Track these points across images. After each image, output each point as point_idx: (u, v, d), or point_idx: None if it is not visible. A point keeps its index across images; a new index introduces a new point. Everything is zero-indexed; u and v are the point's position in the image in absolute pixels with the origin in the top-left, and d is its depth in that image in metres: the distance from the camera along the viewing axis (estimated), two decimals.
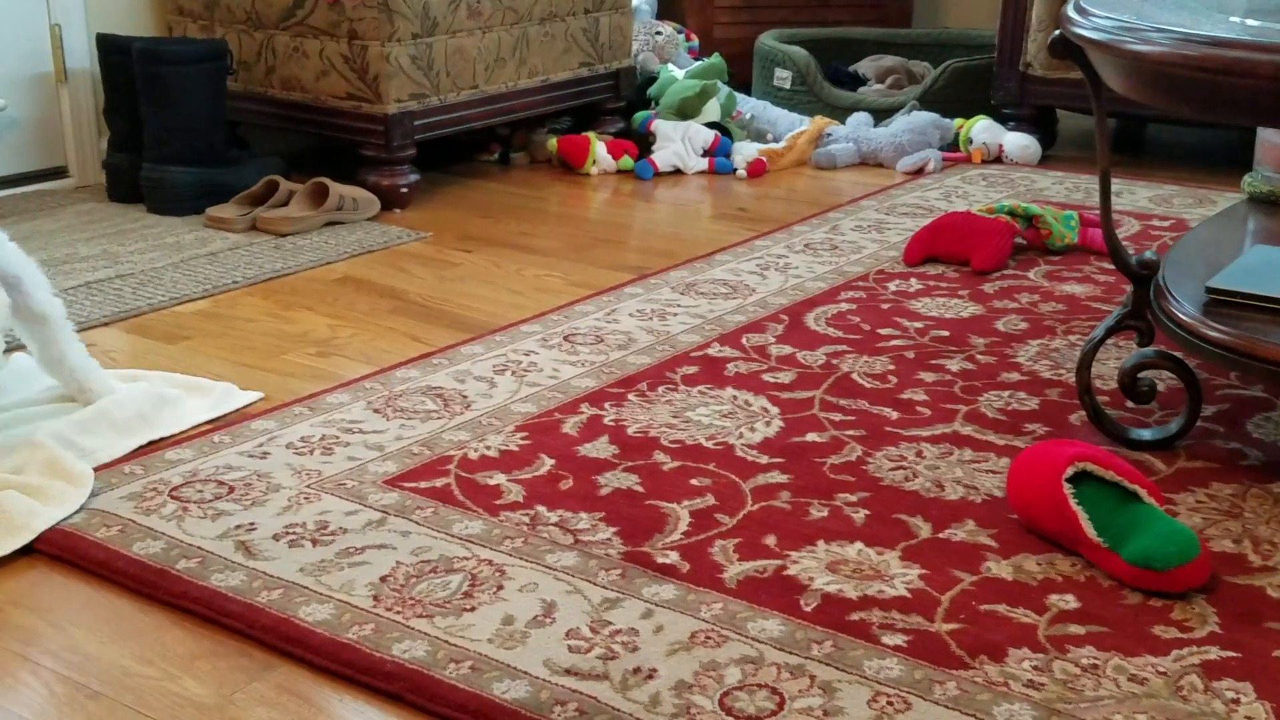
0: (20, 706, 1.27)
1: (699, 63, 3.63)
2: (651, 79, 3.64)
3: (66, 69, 3.02)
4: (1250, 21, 1.57)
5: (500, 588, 1.44)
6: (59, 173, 3.08)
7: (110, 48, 2.86)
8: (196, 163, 2.86)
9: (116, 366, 2.07)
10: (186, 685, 1.31)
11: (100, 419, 1.80)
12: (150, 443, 1.80)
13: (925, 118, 3.50)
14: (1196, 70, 1.45)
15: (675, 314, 2.31)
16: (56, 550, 1.53)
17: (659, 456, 1.77)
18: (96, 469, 1.70)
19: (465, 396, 1.95)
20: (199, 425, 1.86)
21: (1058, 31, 1.71)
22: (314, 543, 1.53)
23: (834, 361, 2.11)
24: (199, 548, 1.52)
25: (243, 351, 2.15)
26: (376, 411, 1.89)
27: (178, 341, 2.19)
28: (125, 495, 1.64)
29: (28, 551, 1.54)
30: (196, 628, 1.40)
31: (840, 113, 3.66)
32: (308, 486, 1.67)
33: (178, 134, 2.82)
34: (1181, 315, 1.70)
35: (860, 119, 3.57)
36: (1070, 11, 1.68)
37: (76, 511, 1.59)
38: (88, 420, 1.79)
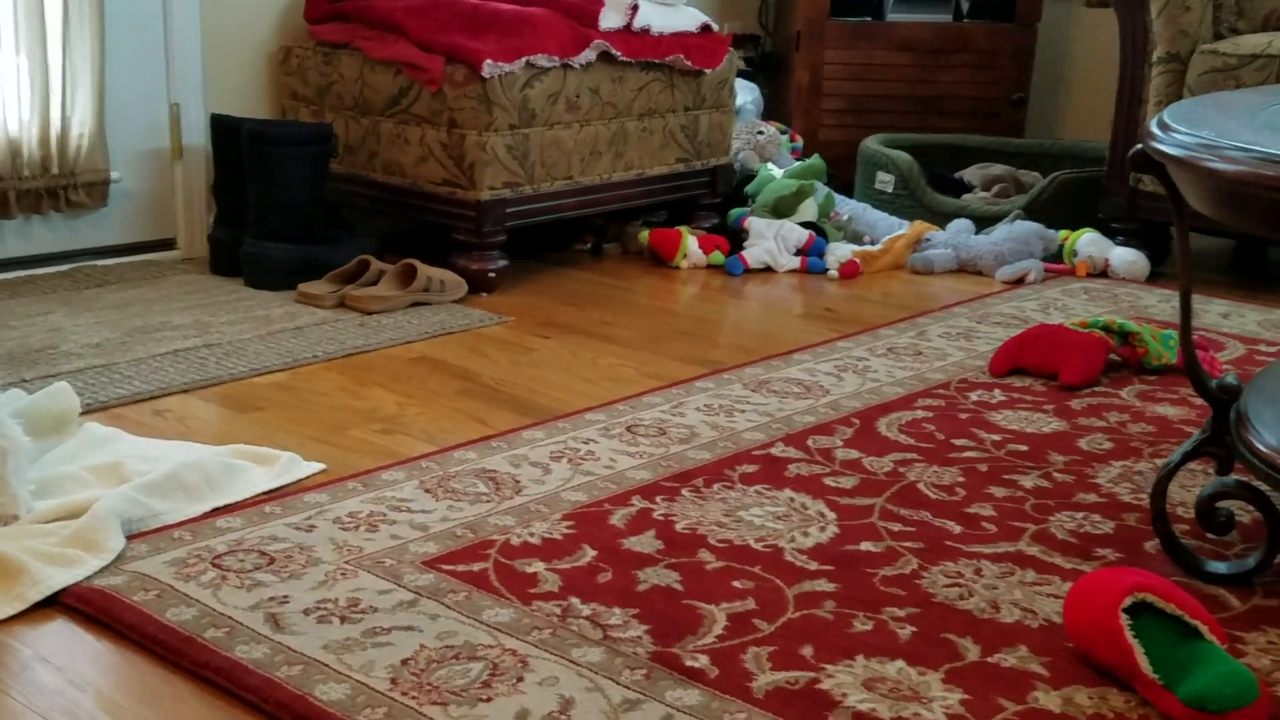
0: None
1: (799, 163, 3.62)
2: (750, 177, 3.64)
3: (182, 146, 3.14)
4: None
5: (520, 679, 1.41)
6: (168, 244, 3.19)
7: (223, 127, 2.97)
8: (295, 240, 2.93)
9: (189, 432, 2.11)
10: None
11: (171, 482, 1.83)
12: (214, 509, 1.82)
13: (1029, 227, 3.43)
14: (1272, 191, 1.38)
15: (743, 411, 2.28)
16: (92, 610, 1.54)
17: (704, 555, 1.72)
18: (154, 531, 1.73)
19: (518, 481, 1.93)
20: (258, 494, 1.88)
21: (1139, 145, 1.66)
22: (342, 620, 1.52)
23: (901, 470, 2.04)
24: (229, 617, 1.52)
25: (311, 424, 2.17)
26: (427, 491, 1.89)
27: (250, 411, 2.22)
28: (169, 560, 1.66)
29: (62, 608, 1.55)
30: (215, 699, 1.40)
31: (941, 218, 3.61)
32: (346, 562, 1.66)
33: (279, 211, 2.91)
34: (1260, 445, 1.61)
35: (961, 225, 3.51)
36: (1153, 127, 1.63)
37: (106, 578, 1.60)
38: (160, 483, 1.82)
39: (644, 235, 3.38)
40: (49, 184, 2.90)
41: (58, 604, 1.56)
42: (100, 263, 3.05)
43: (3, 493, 1.74)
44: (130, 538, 1.70)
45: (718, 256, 3.32)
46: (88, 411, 2.14)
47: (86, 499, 1.76)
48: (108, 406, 2.19)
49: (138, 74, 3.05)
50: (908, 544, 1.78)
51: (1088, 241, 3.41)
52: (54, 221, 2.97)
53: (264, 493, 1.88)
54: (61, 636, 1.51)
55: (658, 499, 1.89)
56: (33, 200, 2.89)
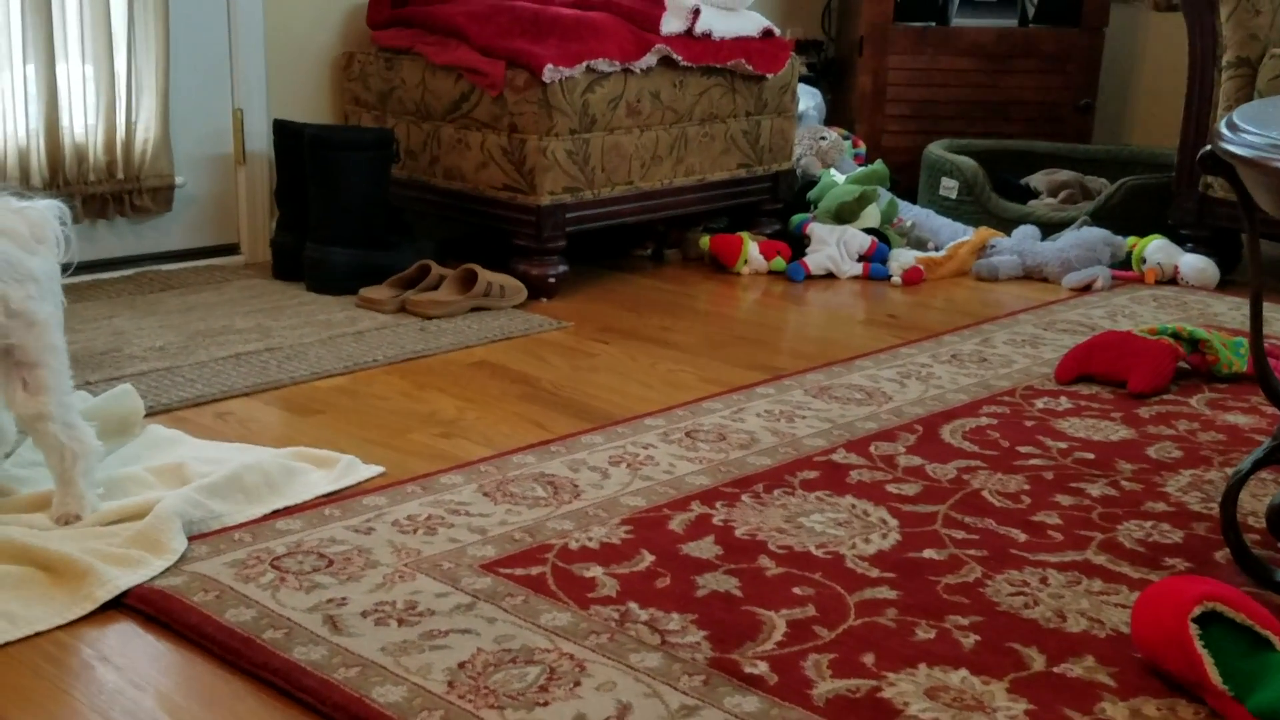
0: None
1: (862, 168, 3.59)
2: (812, 182, 3.62)
3: (245, 151, 3.17)
4: None
5: (578, 684, 1.40)
6: (231, 249, 3.22)
7: (285, 132, 2.99)
8: (356, 245, 2.95)
9: (250, 435, 2.12)
10: None
11: (232, 484, 1.84)
12: (274, 511, 1.83)
13: (1096, 234, 3.37)
14: None
15: (804, 417, 2.25)
16: (152, 610, 1.55)
17: (763, 561, 1.70)
18: (214, 532, 1.74)
19: (576, 486, 1.92)
20: (318, 496, 1.88)
21: (1208, 147, 1.62)
22: (400, 622, 1.52)
23: (965, 477, 2.01)
24: (288, 619, 1.52)
25: (371, 428, 2.17)
26: (486, 495, 1.88)
27: (311, 415, 2.23)
28: (229, 562, 1.66)
29: (123, 608, 1.56)
30: (273, 700, 1.40)
31: (1006, 225, 3.56)
32: (404, 565, 1.66)
33: (341, 216, 2.92)
34: None
35: (1026, 232, 3.46)
36: (1222, 127, 1.59)
37: (167, 578, 1.61)
38: (221, 485, 1.83)
39: (705, 241, 3.36)
40: (114, 189, 2.94)
41: (118, 604, 1.57)
42: (164, 267, 3.08)
43: (69, 493, 1.76)
44: (191, 539, 1.71)
45: (779, 263, 3.29)
46: (151, 414, 2.16)
47: (148, 500, 1.78)
48: (171, 409, 2.21)
49: (202, 80, 3.09)
50: (971, 552, 1.75)
51: (1156, 248, 3.35)
52: (119, 226, 3.01)
53: (323, 495, 1.89)
54: (122, 636, 1.52)
55: (717, 504, 1.87)
56: (98, 205, 2.93)
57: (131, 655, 1.47)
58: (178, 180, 3.04)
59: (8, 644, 1.48)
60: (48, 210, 1.83)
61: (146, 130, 2.96)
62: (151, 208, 3.01)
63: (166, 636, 1.51)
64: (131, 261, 3.05)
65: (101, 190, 2.92)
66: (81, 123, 2.88)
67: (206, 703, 1.38)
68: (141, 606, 1.56)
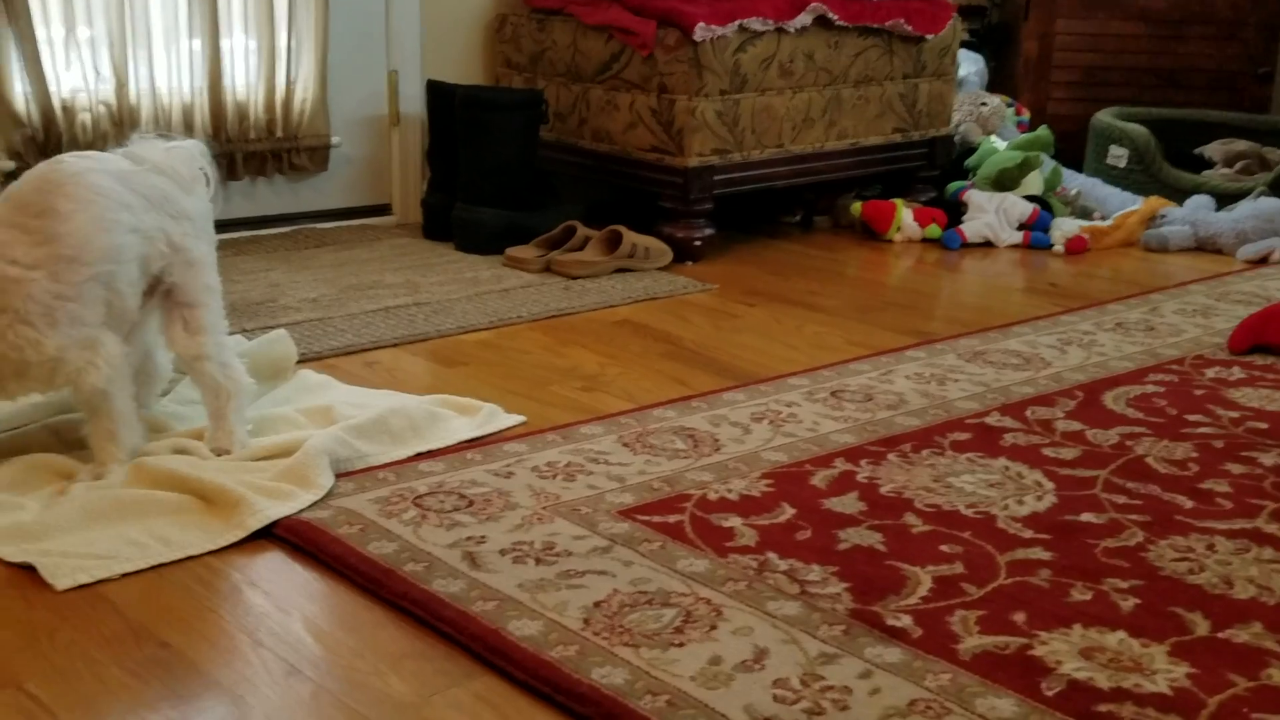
0: (234, 678, 1.30)
1: (1024, 135, 3.46)
2: (971, 150, 3.50)
3: (399, 113, 3.22)
4: None
5: (714, 628, 1.36)
6: (383, 209, 3.27)
7: (438, 93, 3.02)
8: (504, 205, 2.96)
9: (396, 383, 2.14)
10: (391, 682, 1.30)
11: (378, 426, 1.86)
12: (417, 454, 1.84)
13: (1274, 204, 3.19)
14: None
15: (956, 380, 2.17)
16: (299, 540, 1.57)
17: (909, 519, 1.64)
18: (360, 471, 1.75)
19: (717, 440, 1.89)
20: (461, 441, 1.89)
21: None
22: (537, 561, 1.51)
23: (1128, 443, 1.91)
24: (428, 553, 1.52)
25: (513, 380, 2.17)
26: (625, 445, 1.86)
27: (456, 366, 2.24)
28: (373, 498, 1.68)
29: (272, 538, 1.59)
30: (411, 629, 1.40)
31: (1178, 195, 3.39)
32: (543, 508, 1.65)
33: (490, 177, 2.94)
34: None
35: (1200, 202, 3.30)
36: None
37: (314, 511, 1.63)
38: (367, 426, 1.85)
39: (856, 208, 3.29)
40: (273, 147, 3.01)
41: (268, 534, 1.59)
42: (319, 225, 3.15)
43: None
44: (338, 476, 1.73)
45: (934, 230, 3.20)
46: (303, 360, 2.20)
47: (298, 438, 1.80)
48: (322, 356, 2.25)
49: (359, 42, 3.14)
50: (1133, 517, 1.66)
51: None
52: (277, 184, 3.08)
53: (465, 441, 1.89)
54: (270, 564, 1.54)
55: (862, 462, 1.82)
56: (258, 162, 3.00)
57: (278, 582, 1.50)
58: (334, 140, 3.09)
59: (162, 565, 1.51)
60: (194, 149, 1.86)
61: (305, 90, 3.02)
62: (308, 167, 3.07)
63: (312, 566, 1.53)
64: (288, 219, 3.12)
65: (261, 148, 2.99)
66: (243, 81, 2.95)
67: (349, 629, 1.39)
68: (289, 537, 1.58)
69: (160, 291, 1.80)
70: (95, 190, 1.68)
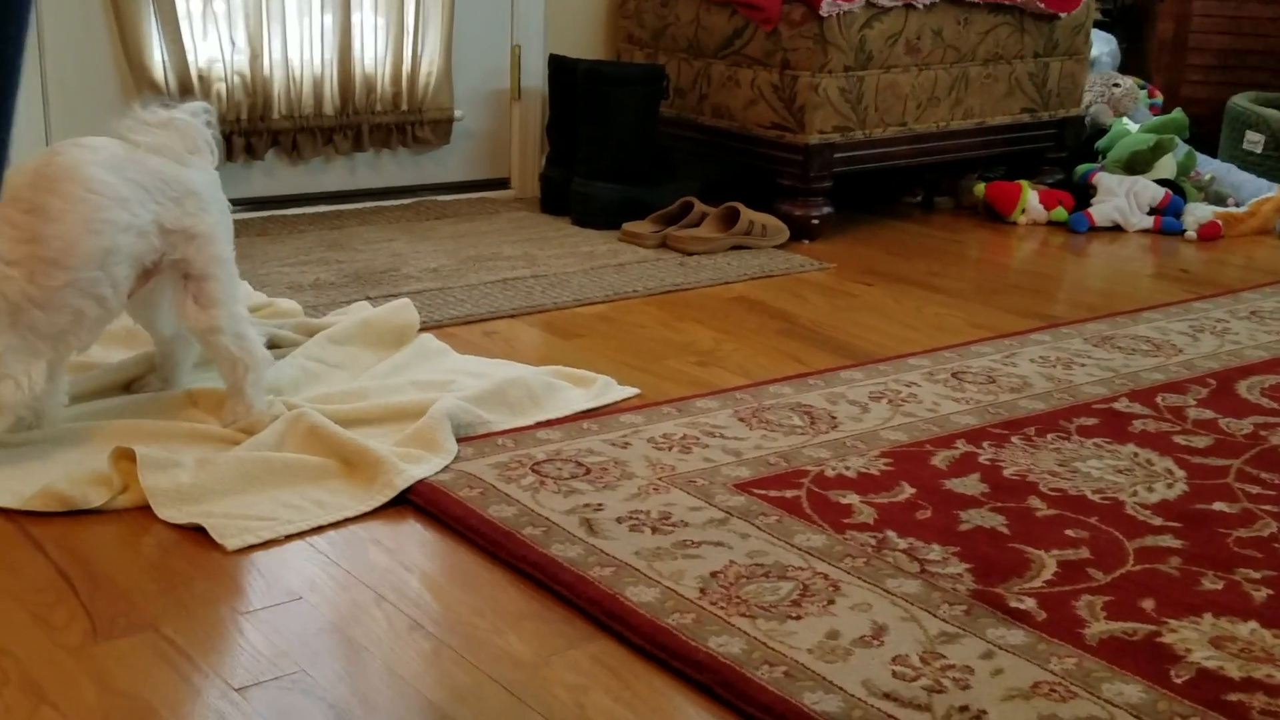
0: (358, 632, 1.32)
1: (1157, 117, 3.36)
2: (1101, 131, 3.41)
3: (521, 87, 3.24)
4: None
5: (831, 602, 1.35)
6: (502, 183, 3.30)
7: (560, 67, 3.03)
8: (621, 180, 2.96)
9: (513, 353, 2.16)
10: (510, 641, 1.31)
11: (496, 396, 1.87)
12: (535, 423, 1.85)
13: None
14: None
15: (1083, 365, 2.12)
16: (423, 503, 1.59)
17: (1033, 502, 1.61)
18: (480, 437, 1.77)
19: (834, 418, 1.87)
20: (576, 412, 1.90)
21: None
22: (654, 530, 1.51)
23: (1263, 433, 1.85)
24: (546, 518, 1.53)
25: (628, 353, 2.18)
26: (741, 420, 1.85)
27: (572, 338, 2.26)
28: (493, 464, 1.69)
29: (399, 501, 1.61)
30: (531, 591, 1.41)
31: None
32: (659, 479, 1.65)
33: (608, 151, 2.94)
34: None
35: None
36: None
37: (436, 474, 1.65)
38: (485, 396, 1.87)
39: (980, 188, 3.22)
40: (398, 119, 3.05)
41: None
42: (440, 198, 3.19)
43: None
44: (459, 441, 1.75)
45: (1060, 213, 3.12)
46: (424, 328, 2.22)
47: (424, 401, 1.83)
48: (441, 325, 2.27)
49: (484, 16, 3.16)
50: (1268, 507, 1.60)
51: None
52: (401, 156, 3.13)
53: (581, 411, 1.90)
54: (393, 524, 1.56)
55: (984, 444, 1.79)
56: (383, 135, 3.05)
57: (401, 540, 1.52)
58: (456, 114, 3.13)
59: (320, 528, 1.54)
60: (194, 116, 1.79)
61: (431, 64, 3.06)
62: (431, 139, 3.11)
63: (434, 526, 1.55)
64: (411, 191, 3.16)
65: (386, 120, 3.04)
66: (371, 55, 3.00)
67: (468, 588, 1.41)
68: (412, 498, 1.60)
69: (165, 266, 1.74)
70: (89, 188, 1.63)
